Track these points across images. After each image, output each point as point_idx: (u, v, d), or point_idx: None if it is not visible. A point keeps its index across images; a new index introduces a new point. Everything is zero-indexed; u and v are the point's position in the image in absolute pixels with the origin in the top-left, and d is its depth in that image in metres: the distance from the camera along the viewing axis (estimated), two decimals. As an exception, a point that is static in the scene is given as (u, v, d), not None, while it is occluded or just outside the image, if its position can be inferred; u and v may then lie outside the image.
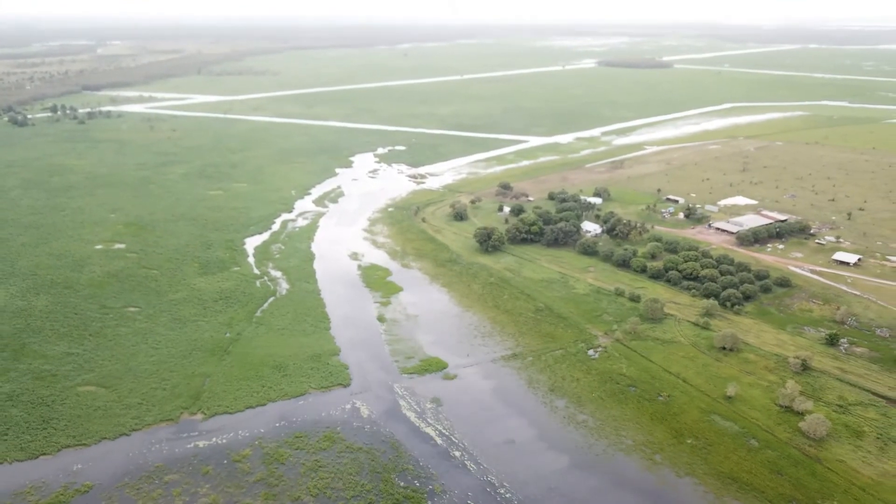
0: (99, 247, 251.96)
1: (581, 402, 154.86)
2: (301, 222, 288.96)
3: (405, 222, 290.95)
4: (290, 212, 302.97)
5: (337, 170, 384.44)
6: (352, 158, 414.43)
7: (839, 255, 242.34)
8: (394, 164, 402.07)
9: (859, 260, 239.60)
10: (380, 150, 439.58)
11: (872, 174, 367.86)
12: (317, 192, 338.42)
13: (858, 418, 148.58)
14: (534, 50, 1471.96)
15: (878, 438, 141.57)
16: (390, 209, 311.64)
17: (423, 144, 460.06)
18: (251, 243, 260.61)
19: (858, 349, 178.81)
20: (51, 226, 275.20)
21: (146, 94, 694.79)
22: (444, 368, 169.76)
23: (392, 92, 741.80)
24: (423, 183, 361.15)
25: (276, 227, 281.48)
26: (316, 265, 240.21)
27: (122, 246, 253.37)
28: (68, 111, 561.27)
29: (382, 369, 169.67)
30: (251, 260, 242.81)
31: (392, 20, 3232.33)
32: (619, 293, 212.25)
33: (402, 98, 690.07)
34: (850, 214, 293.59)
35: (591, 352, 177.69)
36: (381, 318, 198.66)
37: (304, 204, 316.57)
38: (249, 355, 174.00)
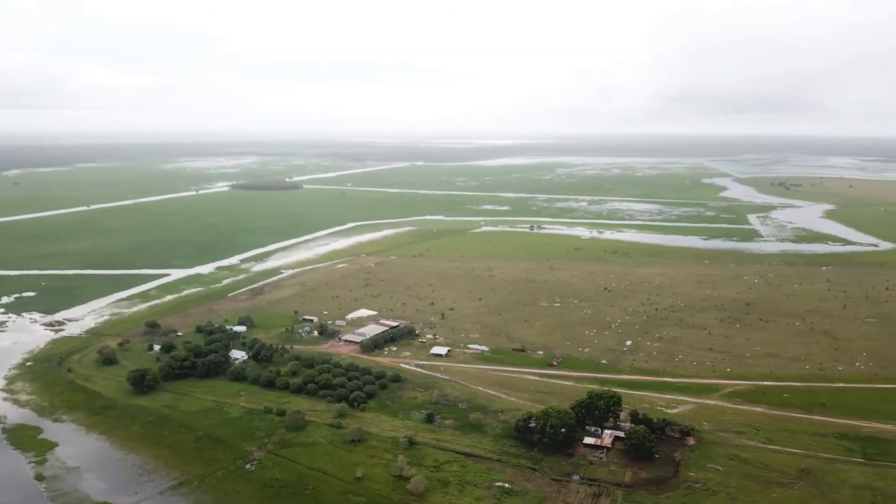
0: None
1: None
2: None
3: (49, 375, 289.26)
4: None
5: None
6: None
7: (434, 349, 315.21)
8: (24, 314, 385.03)
9: (449, 351, 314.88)
10: (4, 300, 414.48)
11: (460, 278, 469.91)
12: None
13: (446, 473, 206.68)
14: (164, 173, 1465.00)
15: (458, 484, 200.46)
16: (29, 363, 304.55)
17: (56, 287, 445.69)
18: None
19: (448, 421, 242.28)
20: None
21: None
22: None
23: (8, 230, 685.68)
24: (62, 330, 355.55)
25: None
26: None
27: None
28: None
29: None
30: None
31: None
32: (268, 410, 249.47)
33: (22, 236, 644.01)
34: (443, 315, 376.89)
35: (247, 466, 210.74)
36: (39, 477, 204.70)
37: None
38: None
